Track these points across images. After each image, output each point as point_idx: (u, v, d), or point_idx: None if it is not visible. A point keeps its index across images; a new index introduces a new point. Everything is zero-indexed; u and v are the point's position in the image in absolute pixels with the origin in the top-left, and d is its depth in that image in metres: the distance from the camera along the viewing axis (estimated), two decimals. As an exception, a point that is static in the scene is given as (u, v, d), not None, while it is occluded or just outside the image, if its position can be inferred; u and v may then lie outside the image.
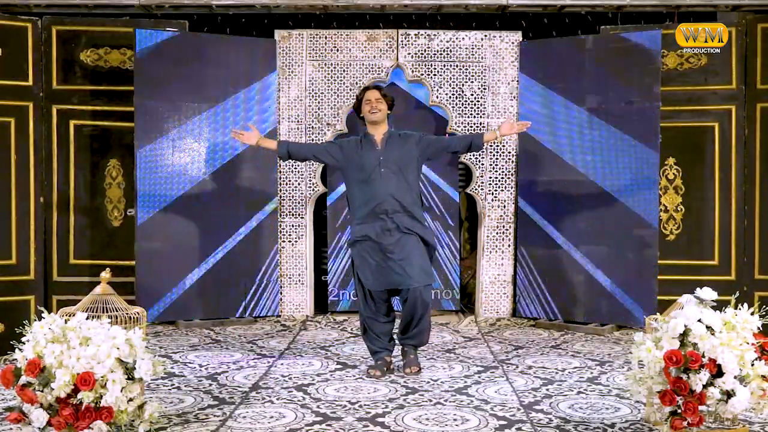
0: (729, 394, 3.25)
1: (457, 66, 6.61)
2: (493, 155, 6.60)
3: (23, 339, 3.34)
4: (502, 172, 6.61)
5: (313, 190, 6.66)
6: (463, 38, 6.62)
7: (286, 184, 6.63)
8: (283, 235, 6.64)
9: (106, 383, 3.23)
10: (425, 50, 6.61)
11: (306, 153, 5.00)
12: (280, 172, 6.61)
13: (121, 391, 3.26)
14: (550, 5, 6.44)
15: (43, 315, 3.39)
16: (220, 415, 3.85)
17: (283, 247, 6.64)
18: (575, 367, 4.94)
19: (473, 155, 6.55)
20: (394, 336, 4.88)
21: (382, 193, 4.63)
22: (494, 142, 6.52)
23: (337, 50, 6.62)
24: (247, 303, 6.49)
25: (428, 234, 4.79)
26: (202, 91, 6.33)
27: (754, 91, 6.10)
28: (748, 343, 3.30)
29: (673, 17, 6.59)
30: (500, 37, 6.63)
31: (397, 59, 6.61)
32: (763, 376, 3.27)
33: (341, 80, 6.62)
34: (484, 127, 6.58)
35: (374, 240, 4.65)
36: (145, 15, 6.57)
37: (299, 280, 6.67)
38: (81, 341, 3.27)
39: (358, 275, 4.78)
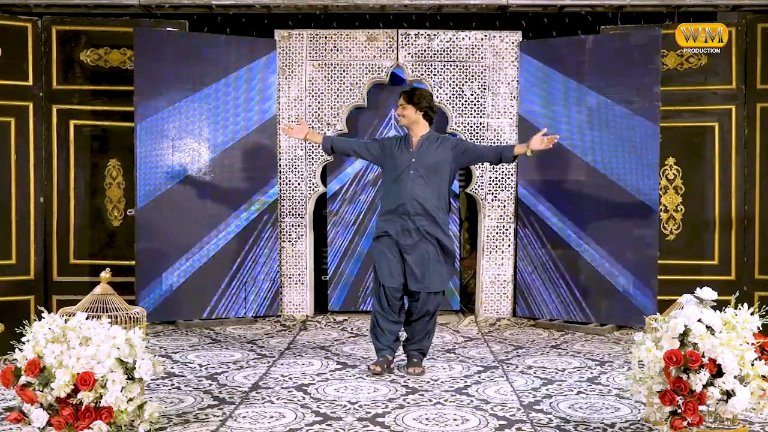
0: (729, 394, 3.25)
1: (457, 66, 6.61)
2: (493, 155, 6.60)
3: (23, 339, 3.34)
4: (502, 172, 6.61)
5: (313, 190, 6.66)
6: (463, 38, 6.62)
7: (286, 184, 6.64)
8: (283, 235, 6.65)
9: (106, 383, 3.23)
10: (425, 50, 6.61)
11: (347, 148, 5.11)
12: (280, 172, 6.61)
13: (121, 391, 3.26)
14: (550, 5, 6.45)
15: (43, 315, 3.39)
16: (220, 415, 3.85)
17: (283, 247, 6.64)
18: (575, 367, 4.94)
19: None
20: (400, 337, 4.90)
21: (406, 195, 4.69)
22: (494, 140, 6.54)
23: (337, 50, 6.62)
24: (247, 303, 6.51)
25: (448, 241, 4.78)
26: (202, 91, 6.33)
27: (754, 91, 6.10)
28: (748, 343, 3.30)
29: (673, 17, 6.59)
30: (500, 37, 6.63)
31: (397, 59, 6.61)
32: (763, 376, 3.27)
33: (341, 80, 6.62)
34: (483, 127, 6.58)
35: (393, 237, 4.72)
36: (145, 15, 6.57)
37: (299, 280, 6.67)
38: (81, 341, 3.27)
39: (375, 269, 4.82)
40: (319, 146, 5.50)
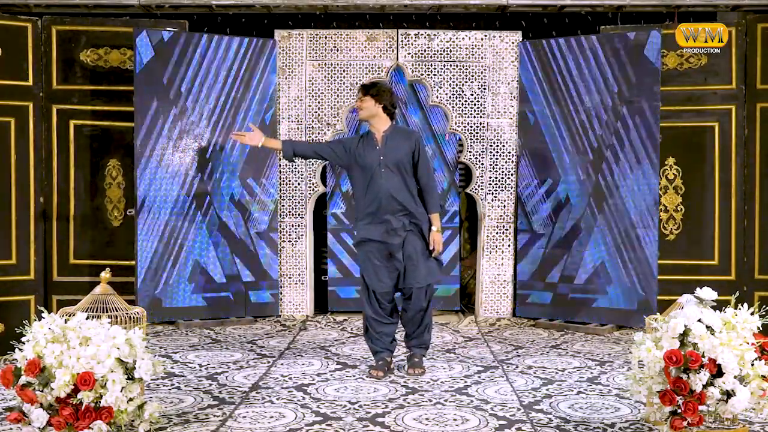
0: (729, 394, 3.26)
1: (457, 66, 6.61)
2: (493, 155, 6.60)
3: (23, 339, 3.34)
4: (502, 172, 6.61)
5: (313, 190, 6.66)
6: (463, 38, 6.62)
7: (286, 184, 6.64)
8: (283, 235, 6.64)
9: (106, 383, 3.23)
10: (425, 50, 6.61)
11: (309, 151, 4.93)
12: (281, 172, 6.61)
13: (121, 391, 3.26)
14: (550, 5, 6.45)
15: (43, 315, 3.39)
16: (220, 415, 3.85)
17: (283, 247, 6.64)
18: (575, 367, 4.94)
19: (473, 155, 6.57)
20: (396, 337, 4.89)
21: (383, 194, 4.62)
22: (494, 140, 6.56)
23: (337, 50, 6.62)
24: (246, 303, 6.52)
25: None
26: (202, 91, 6.34)
27: (754, 91, 6.10)
28: (748, 343, 3.30)
29: (673, 17, 6.59)
30: (500, 37, 6.63)
31: (397, 59, 6.61)
32: (763, 376, 3.27)
33: (341, 80, 6.62)
34: (483, 127, 6.59)
35: (379, 241, 4.67)
36: (145, 15, 6.57)
37: (299, 280, 6.67)
38: (81, 341, 3.27)
39: (363, 275, 4.79)
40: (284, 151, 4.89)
